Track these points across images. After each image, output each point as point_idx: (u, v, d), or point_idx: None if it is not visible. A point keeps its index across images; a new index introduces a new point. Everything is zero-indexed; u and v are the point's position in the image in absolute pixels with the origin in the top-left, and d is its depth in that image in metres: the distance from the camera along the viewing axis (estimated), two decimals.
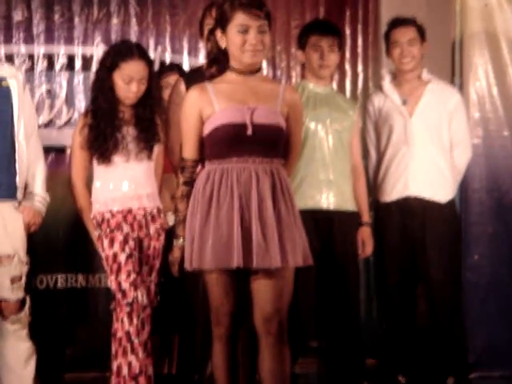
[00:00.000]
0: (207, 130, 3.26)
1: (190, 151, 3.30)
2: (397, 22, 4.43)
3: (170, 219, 4.31)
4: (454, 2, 5.06)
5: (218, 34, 3.30)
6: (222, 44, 3.30)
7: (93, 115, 3.87)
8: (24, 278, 3.83)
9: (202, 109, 3.27)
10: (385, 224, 4.45)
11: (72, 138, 3.95)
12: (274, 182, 3.25)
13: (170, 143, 3.97)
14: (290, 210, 3.27)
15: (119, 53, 3.89)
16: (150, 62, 3.93)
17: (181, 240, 3.29)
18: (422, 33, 4.43)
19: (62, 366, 4.79)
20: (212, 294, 3.27)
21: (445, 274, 4.39)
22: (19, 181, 3.82)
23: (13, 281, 3.79)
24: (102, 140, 3.83)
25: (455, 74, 5.08)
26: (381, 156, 4.51)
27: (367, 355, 4.62)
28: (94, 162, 3.91)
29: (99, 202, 3.90)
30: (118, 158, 3.87)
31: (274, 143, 3.29)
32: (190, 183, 3.31)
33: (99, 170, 3.91)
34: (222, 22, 3.29)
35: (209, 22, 3.94)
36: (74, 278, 4.99)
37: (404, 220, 4.41)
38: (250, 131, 3.22)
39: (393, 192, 4.43)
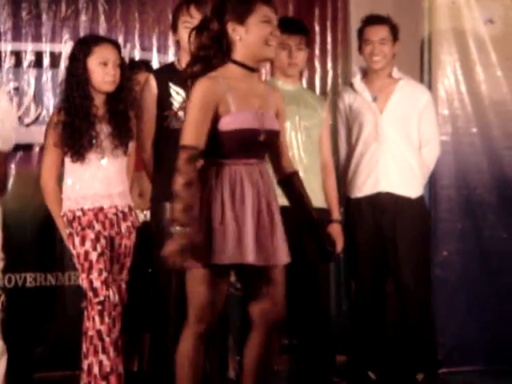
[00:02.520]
0: (223, 128, 3.22)
1: (201, 140, 3.19)
2: (370, 20, 4.46)
3: (140, 217, 4.31)
4: (423, 0, 5.09)
5: (232, 26, 3.22)
6: (235, 36, 3.24)
7: (66, 112, 3.83)
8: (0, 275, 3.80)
9: (219, 102, 3.20)
10: (355, 219, 4.48)
11: (45, 136, 3.91)
12: (267, 181, 3.31)
13: (141, 140, 3.97)
14: (277, 208, 3.32)
15: (89, 40, 3.93)
16: (119, 47, 3.92)
17: (186, 229, 3.14)
18: (394, 32, 4.46)
19: (31, 365, 4.76)
20: (201, 292, 3.21)
21: (415, 269, 4.42)
22: None
23: None
24: (77, 137, 3.80)
25: (424, 71, 5.12)
26: (351, 152, 4.53)
27: (337, 352, 4.65)
28: (67, 160, 3.87)
29: (70, 199, 3.87)
30: (92, 156, 3.85)
31: (272, 146, 3.35)
32: (196, 172, 3.23)
33: (71, 167, 3.88)
34: (241, 14, 3.21)
35: (186, 20, 3.94)
36: (42, 276, 4.96)
37: (375, 215, 4.44)
38: (262, 137, 3.24)
39: (363, 188, 4.46)
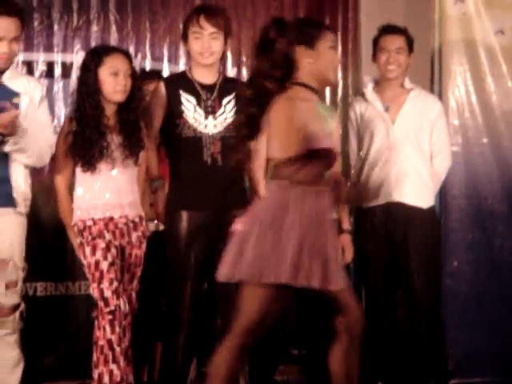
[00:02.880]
0: (312, 147, 3.23)
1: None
2: (387, 29, 4.46)
3: (150, 227, 4.32)
4: (433, 10, 5.08)
5: (300, 49, 3.33)
6: (304, 60, 3.34)
7: (77, 122, 3.85)
8: (20, 284, 3.81)
9: (306, 124, 3.23)
10: (366, 229, 4.46)
11: (56, 146, 3.92)
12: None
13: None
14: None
15: (100, 50, 3.95)
16: (130, 57, 3.94)
17: None
18: (410, 43, 4.46)
19: (41, 375, 4.76)
20: (255, 308, 3.26)
21: (426, 280, 4.41)
22: (15, 189, 3.80)
23: (8, 286, 3.77)
24: (88, 147, 3.81)
25: (434, 81, 5.11)
26: (362, 162, 4.53)
27: None
28: (78, 169, 3.89)
29: (81, 209, 3.89)
30: (102, 166, 3.86)
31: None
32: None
33: (82, 177, 3.90)
34: (310, 38, 3.35)
35: (196, 30, 3.94)
36: (53, 285, 4.96)
37: (386, 225, 4.43)
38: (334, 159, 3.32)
39: (375, 198, 4.44)
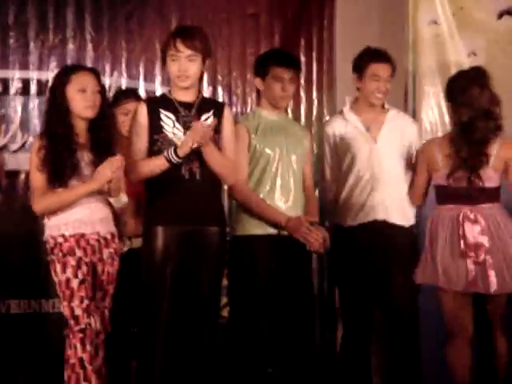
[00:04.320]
0: None
1: None
2: (378, 57, 4.43)
3: (126, 244, 4.32)
4: (407, 32, 5.14)
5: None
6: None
7: (48, 139, 3.84)
8: None
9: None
10: (347, 248, 4.46)
11: (30, 160, 3.89)
12: None
13: (130, 164, 3.95)
14: None
15: (67, 69, 3.98)
16: (97, 74, 3.97)
17: None
18: (394, 68, 4.48)
19: None
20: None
21: (405, 297, 4.42)
22: None
23: None
24: (59, 164, 3.81)
25: (408, 101, 5.16)
26: (342, 181, 4.51)
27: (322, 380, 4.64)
28: (49, 185, 3.87)
29: (51, 225, 3.87)
30: (74, 182, 3.85)
31: None
32: None
33: None
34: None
35: (173, 53, 3.94)
36: (26, 303, 4.94)
37: (368, 244, 4.42)
38: None
39: (357, 217, 4.44)
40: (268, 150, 4.29)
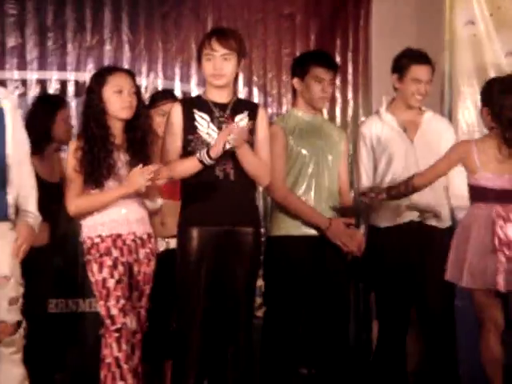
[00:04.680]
0: None
1: None
2: (420, 59, 4.42)
3: (161, 245, 4.34)
4: (444, 32, 5.11)
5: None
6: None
7: (85, 141, 3.87)
8: (21, 300, 3.81)
9: None
10: (384, 248, 4.44)
11: (67, 161, 3.93)
12: None
13: (165, 162, 3.98)
14: None
15: (103, 70, 4.01)
16: (133, 76, 3.99)
17: None
18: (433, 70, 4.46)
19: None
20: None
21: (442, 298, 4.40)
22: (11, 201, 3.78)
23: (10, 302, 3.76)
24: (96, 165, 3.84)
25: (444, 102, 5.13)
26: (378, 181, 4.50)
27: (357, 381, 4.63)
28: (85, 186, 3.88)
29: (88, 226, 3.90)
30: (110, 183, 3.87)
31: None
32: None
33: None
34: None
35: (208, 53, 3.92)
36: (64, 302, 4.98)
37: (404, 244, 4.40)
38: None
39: (394, 217, 4.44)
40: (304, 151, 4.30)
